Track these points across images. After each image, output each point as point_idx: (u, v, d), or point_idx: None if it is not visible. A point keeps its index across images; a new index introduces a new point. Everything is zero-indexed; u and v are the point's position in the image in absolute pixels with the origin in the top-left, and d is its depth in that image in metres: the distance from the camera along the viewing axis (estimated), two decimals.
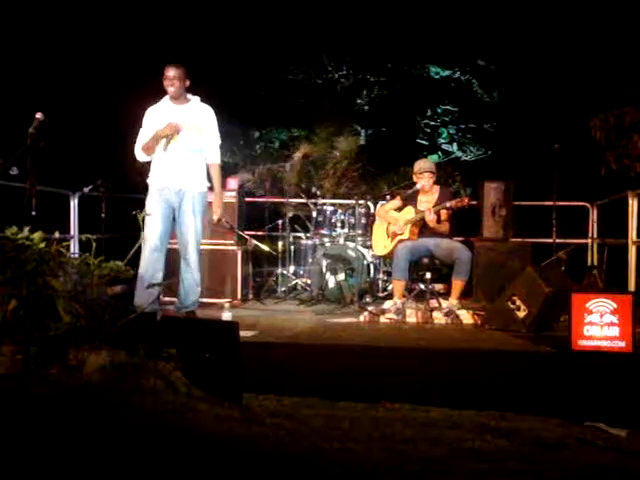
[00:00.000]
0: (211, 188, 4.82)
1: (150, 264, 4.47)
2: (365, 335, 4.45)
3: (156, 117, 4.65)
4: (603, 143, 6.19)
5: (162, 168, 4.60)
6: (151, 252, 4.47)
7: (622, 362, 3.58)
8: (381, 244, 5.66)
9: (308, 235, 6.80)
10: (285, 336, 4.26)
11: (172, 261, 4.96)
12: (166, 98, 4.68)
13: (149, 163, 4.72)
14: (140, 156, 4.70)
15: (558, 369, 3.57)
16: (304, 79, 9.14)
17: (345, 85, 9.06)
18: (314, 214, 6.54)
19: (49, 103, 5.06)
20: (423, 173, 5.40)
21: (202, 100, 4.74)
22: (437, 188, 5.48)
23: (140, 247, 4.38)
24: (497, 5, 9.14)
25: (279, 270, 6.53)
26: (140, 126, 4.71)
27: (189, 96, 4.69)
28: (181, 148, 4.57)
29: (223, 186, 6.26)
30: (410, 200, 5.50)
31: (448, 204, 5.14)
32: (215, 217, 4.83)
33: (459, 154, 9.63)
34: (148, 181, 4.69)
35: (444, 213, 5.29)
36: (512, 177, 6.50)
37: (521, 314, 4.46)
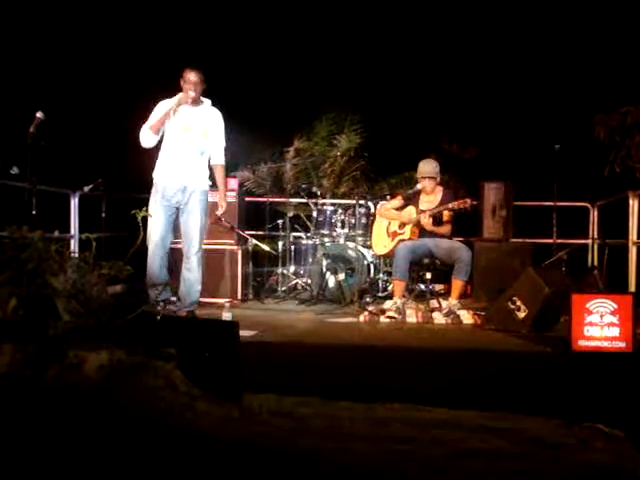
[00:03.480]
0: (212, 187, 4.87)
1: (154, 263, 4.53)
2: (365, 335, 4.45)
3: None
4: (606, 142, 6.18)
5: (167, 165, 4.65)
6: (154, 251, 4.53)
7: (622, 363, 3.57)
8: (381, 243, 5.66)
9: (308, 235, 6.80)
10: (285, 336, 4.26)
11: (175, 260, 4.97)
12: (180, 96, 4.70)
13: (155, 159, 4.73)
14: (146, 138, 4.64)
15: (558, 369, 3.56)
16: (304, 77, 9.13)
17: (345, 84, 9.03)
18: (314, 214, 6.53)
19: (49, 102, 5.06)
20: (424, 178, 5.40)
21: (213, 104, 4.82)
22: (440, 189, 5.46)
23: (140, 246, 4.39)
24: (497, 3, 9.13)
25: (279, 270, 6.54)
26: (147, 118, 4.71)
27: (202, 98, 4.75)
28: (187, 148, 4.64)
29: None
30: (411, 200, 5.49)
31: (450, 205, 5.13)
32: (219, 213, 4.91)
33: (458, 154, 9.62)
34: (153, 176, 4.73)
35: (446, 214, 5.28)
36: (512, 177, 6.50)
37: (521, 314, 4.46)
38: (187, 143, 4.64)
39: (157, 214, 4.52)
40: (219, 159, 4.83)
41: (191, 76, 4.60)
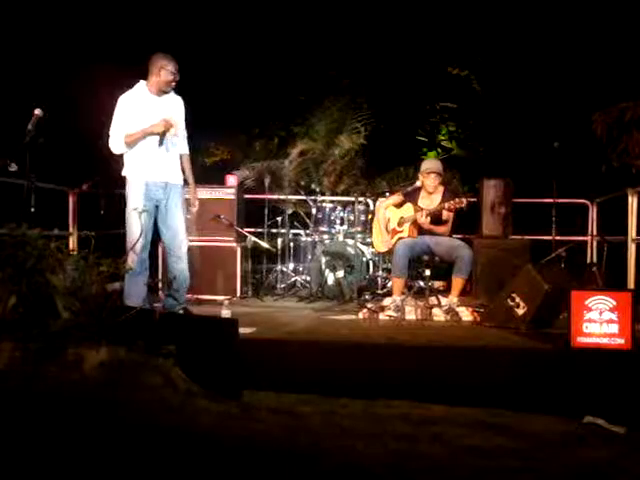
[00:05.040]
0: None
1: (141, 262, 4.35)
2: (364, 332, 4.44)
3: (136, 107, 4.47)
4: (604, 139, 6.18)
5: (146, 161, 4.45)
6: (142, 250, 4.35)
7: (621, 359, 3.58)
8: (381, 241, 5.65)
9: (307, 232, 6.79)
10: (284, 333, 4.25)
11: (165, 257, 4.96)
12: (142, 86, 4.52)
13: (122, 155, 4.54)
14: (119, 148, 4.48)
15: (557, 366, 3.56)
16: (303, 75, 9.10)
17: (344, 81, 9.01)
18: (313, 211, 6.52)
19: (48, 99, 5.05)
20: (430, 173, 5.35)
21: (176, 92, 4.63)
22: (441, 188, 5.44)
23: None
24: (498, 3, 9.13)
25: (278, 267, 6.53)
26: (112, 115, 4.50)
27: None
28: (165, 141, 4.46)
29: (222, 183, 6.31)
30: (410, 197, 5.48)
31: (446, 205, 5.12)
32: (193, 210, 4.71)
33: (458, 151, 9.61)
34: (126, 174, 4.52)
35: (445, 214, 5.27)
36: (511, 174, 6.49)
37: (520, 311, 4.46)
38: (166, 137, 4.44)
39: (143, 213, 4.26)
40: (185, 148, 4.66)
41: (174, 66, 4.43)
